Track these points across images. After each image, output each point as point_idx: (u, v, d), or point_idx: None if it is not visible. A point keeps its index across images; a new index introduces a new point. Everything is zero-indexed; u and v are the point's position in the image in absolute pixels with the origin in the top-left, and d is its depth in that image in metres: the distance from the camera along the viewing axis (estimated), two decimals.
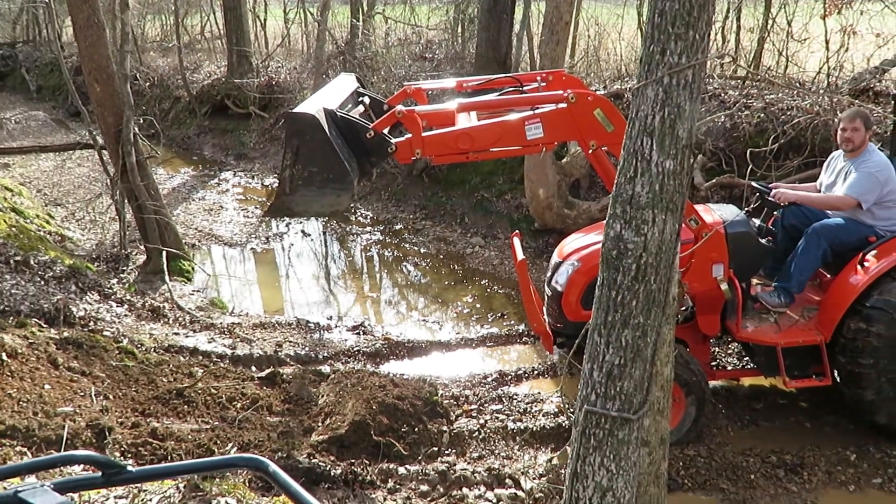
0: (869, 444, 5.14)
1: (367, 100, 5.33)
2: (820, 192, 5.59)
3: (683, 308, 5.07)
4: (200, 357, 6.54)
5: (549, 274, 5.72)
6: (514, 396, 6.02)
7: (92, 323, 6.66)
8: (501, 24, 11.87)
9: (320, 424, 5.48)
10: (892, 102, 5.82)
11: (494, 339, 7.19)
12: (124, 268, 8.78)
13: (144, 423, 5.10)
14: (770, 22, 10.93)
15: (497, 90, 5.42)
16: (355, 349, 7.02)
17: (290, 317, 7.95)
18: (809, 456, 5.07)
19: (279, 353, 6.79)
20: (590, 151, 4.67)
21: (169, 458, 4.68)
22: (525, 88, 5.24)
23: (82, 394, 5.32)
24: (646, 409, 2.05)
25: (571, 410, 4.54)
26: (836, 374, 5.18)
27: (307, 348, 7.04)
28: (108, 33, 9.25)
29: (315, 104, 4.58)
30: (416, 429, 5.40)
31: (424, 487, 4.87)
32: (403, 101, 5.30)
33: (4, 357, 5.19)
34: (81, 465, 2.98)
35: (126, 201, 8.82)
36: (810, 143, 8.13)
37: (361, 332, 7.48)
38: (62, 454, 1.13)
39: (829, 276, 5.41)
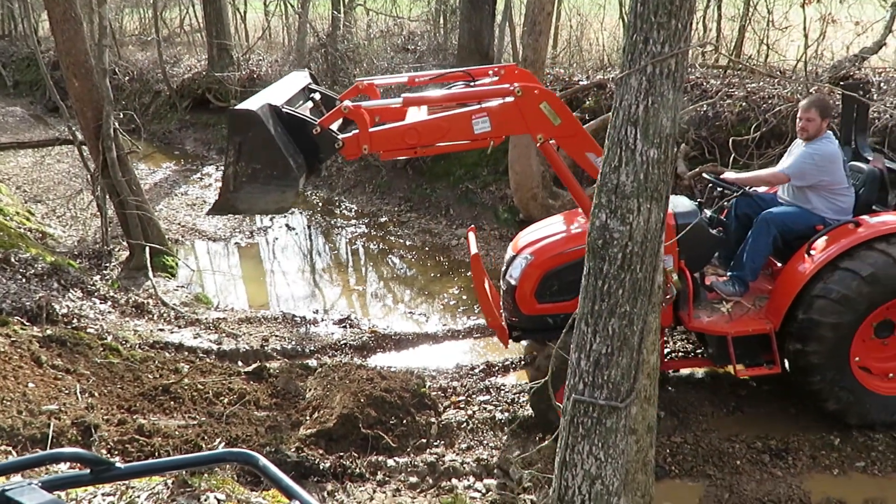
0: (852, 428, 5.21)
1: (317, 96, 5.32)
2: None
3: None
4: (186, 353, 6.51)
5: (504, 268, 5.74)
6: (502, 387, 6.04)
7: (75, 320, 6.60)
8: (483, 15, 11.83)
9: (308, 418, 5.48)
10: (841, 95, 5.89)
11: (481, 330, 7.20)
12: (107, 264, 8.71)
13: (131, 419, 5.06)
14: (751, 10, 10.99)
15: (450, 85, 5.40)
16: (342, 342, 7.01)
17: (275, 311, 7.92)
18: (794, 441, 5.13)
19: (265, 348, 6.77)
20: (538, 144, 4.70)
21: (156, 454, 4.66)
22: (477, 83, 5.22)
23: (67, 392, 5.27)
24: (633, 397, 2.07)
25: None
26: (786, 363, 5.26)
27: (294, 342, 7.02)
28: (86, 27, 9.12)
29: (260, 101, 4.54)
30: (405, 421, 5.41)
31: (413, 479, 4.89)
32: (356, 97, 5.26)
33: None
34: (67, 463, 2.96)
35: (107, 197, 8.73)
36: (791, 131, 8.19)
37: (348, 326, 7.47)
38: (49, 452, 1.12)
39: (780, 264, 5.48)
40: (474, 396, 5.93)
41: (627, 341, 2.02)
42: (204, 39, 17.66)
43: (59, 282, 7.20)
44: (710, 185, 5.65)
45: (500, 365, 6.48)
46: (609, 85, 10.80)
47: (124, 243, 8.94)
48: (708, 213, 5.68)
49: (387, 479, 4.85)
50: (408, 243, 9.95)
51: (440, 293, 8.34)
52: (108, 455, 4.64)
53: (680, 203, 5.58)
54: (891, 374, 5.25)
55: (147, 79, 17.94)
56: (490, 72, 5.38)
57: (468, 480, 4.90)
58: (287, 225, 11.05)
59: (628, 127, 1.93)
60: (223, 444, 4.94)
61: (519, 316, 5.51)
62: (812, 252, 5.01)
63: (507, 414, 5.61)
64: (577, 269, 5.40)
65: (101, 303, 7.28)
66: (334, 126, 4.67)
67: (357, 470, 4.87)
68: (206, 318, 7.43)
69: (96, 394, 5.39)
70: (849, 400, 5.11)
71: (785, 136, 8.25)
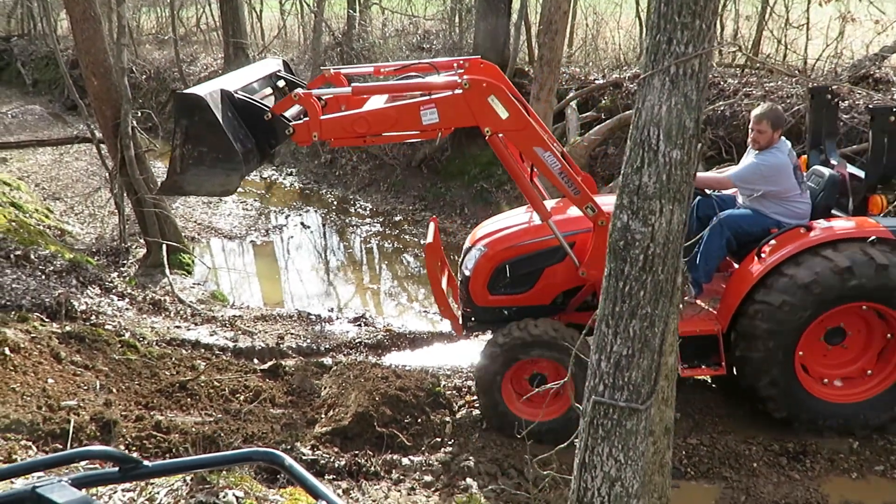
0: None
1: (281, 83, 5.36)
2: None
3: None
4: (202, 350, 6.55)
5: (461, 258, 5.78)
6: None
7: (94, 317, 6.66)
8: (499, 13, 11.81)
9: (323, 416, 5.49)
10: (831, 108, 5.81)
11: None
12: (124, 261, 8.78)
13: (148, 416, 5.10)
14: (768, 9, 10.90)
15: (415, 77, 5.44)
16: (357, 341, 7.03)
17: (290, 309, 7.96)
18: (812, 444, 5.08)
19: (281, 346, 6.81)
20: (486, 137, 4.74)
21: (174, 451, 4.69)
22: (442, 75, 5.25)
23: (86, 387, 5.32)
24: (653, 399, 2.06)
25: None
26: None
27: (309, 340, 7.05)
28: (105, 26, 9.20)
29: (214, 85, 4.64)
30: (419, 420, 5.42)
31: (428, 478, 4.89)
32: (323, 86, 5.33)
33: (7, 352, 5.18)
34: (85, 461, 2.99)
35: (125, 195, 8.80)
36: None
37: (363, 324, 7.49)
38: (79, 450, 1.13)
39: (737, 266, 5.47)
40: None
41: (648, 343, 2.01)
42: (220, 38, 17.74)
43: (77, 279, 7.27)
44: None
45: None
46: (625, 84, 10.75)
47: (141, 241, 9.02)
48: None
49: (402, 477, 4.86)
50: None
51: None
52: (126, 451, 4.68)
53: None
54: (836, 382, 5.21)
55: (164, 77, 18.06)
56: (455, 64, 5.41)
57: (482, 480, 4.89)
58: (302, 223, 11.10)
59: (651, 128, 1.92)
60: (240, 440, 4.97)
61: (472, 307, 5.59)
62: (762, 255, 5.00)
63: None
64: (529, 263, 5.44)
65: (118, 300, 7.35)
66: (290, 113, 4.74)
67: (372, 468, 4.88)
68: (222, 316, 7.48)
69: (114, 390, 5.44)
70: (795, 406, 5.08)
71: (804, 135, 8.18)
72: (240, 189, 12.95)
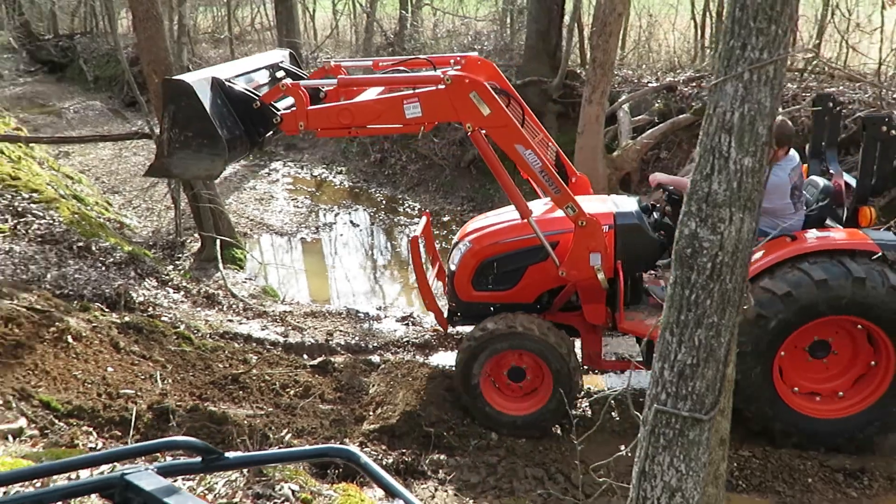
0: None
1: (281, 74, 5.45)
2: None
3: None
4: (254, 344, 6.67)
5: (448, 253, 5.85)
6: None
7: (151, 308, 6.84)
8: (552, 15, 11.75)
9: (371, 414, 5.54)
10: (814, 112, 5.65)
11: None
12: (180, 255, 9.00)
13: (202, 407, 5.21)
14: (830, 11, 10.62)
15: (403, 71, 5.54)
16: (404, 340, 7.08)
17: (339, 306, 8.05)
18: (870, 461, 4.94)
19: (330, 342, 6.89)
20: (468, 133, 4.83)
21: (226, 442, 4.78)
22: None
23: (143, 377, 5.47)
24: (717, 409, 2.03)
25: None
26: None
27: (357, 338, 7.12)
28: (166, 26, 9.43)
29: (207, 73, 4.79)
30: (466, 421, 5.43)
31: (475, 479, 4.90)
32: (324, 78, 5.47)
33: (70, 340, 5.36)
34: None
35: (181, 190, 9.01)
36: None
37: (410, 323, 7.53)
38: (165, 440, 1.17)
39: None
40: None
41: (714, 353, 1.98)
42: (274, 38, 18.03)
43: (135, 271, 7.47)
44: (661, 188, 5.61)
45: None
46: (679, 87, 10.59)
47: (196, 235, 9.22)
48: (655, 215, 5.64)
49: (448, 477, 4.87)
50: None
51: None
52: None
53: (623, 203, 5.59)
54: (818, 397, 5.10)
55: None
56: (452, 61, 5.46)
57: (529, 484, 4.88)
58: (351, 221, 11.21)
59: (722, 134, 1.89)
60: (290, 435, 5.04)
61: (457, 302, 5.65)
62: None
63: (567, 418, 5.56)
64: (513, 260, 5.46)
65: (174, 292, 7.53)
66: (282, 104, 4.86)
67: (419, 467, 4.90)
68: (272, 311, 7.61)
69: (170, 380, 5.58)
70: (773, 420, 4.97)
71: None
72: (291, 186, 13.22)
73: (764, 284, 4.74)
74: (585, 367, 6.00)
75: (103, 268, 7.22)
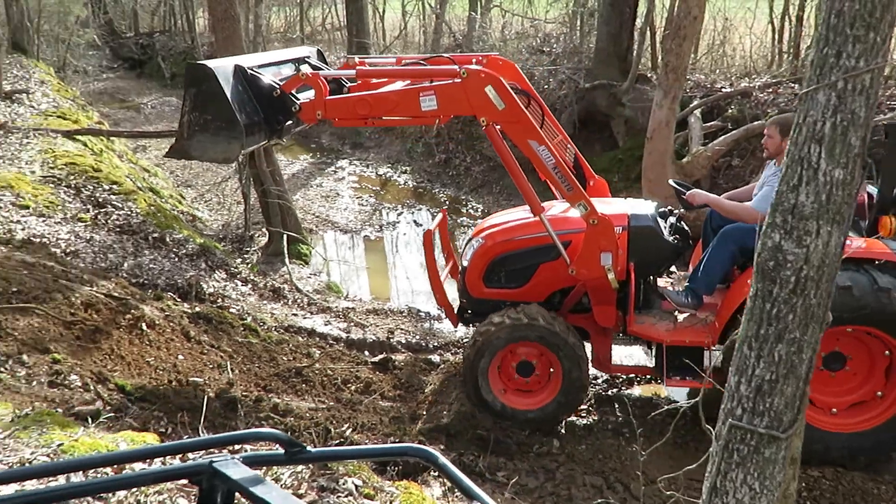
0: None
1: (305, 67, 5.51)
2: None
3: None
4: (317, 338, 6.79)
5: (462, 249, 5.87)
6: (626, 399, 5.91)
7: (220, 299, 7.04)
8: (623, 17, 11.58)
9: (426, 412, 5.58)
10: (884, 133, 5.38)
11: None
12: (248, 248, 9.23)
13: (266, 398, 5.34)
14: None
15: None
16: (464, 340, 7.08)
17: (400, 304, 8.12)
18: None
19: (391, 340, 6.96)
20: (483, 128, 4.86)
21: (290, 433, 4.87)
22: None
23: (211, 366, 5.63)
24: (796, 427, 1.97)
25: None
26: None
27: (417, 336, 7.17)
28: (242, 25, 9.69)
29: (231, 60, 4.95)
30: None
31: (532, 484, 4.87)
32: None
33: (144, 327, 5.56)
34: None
35: (252, 185, 9.25)
36: None
37: (471, 325, 7.53)
38: (252, 431, 1.20)
39: None
40: (597, 406, 5.83)
41: (794, 369, 1.91)
42: (344, 37, 18.31)
43: (206, 263, 7.70)
44: (678, 193, 5.49)
45: (625, 377, 6.34)
46: (754, 93, 10.30)
47: (264, 230, 9.45)
48: (672, 220, 5.54)
49: (506, 481, 4.86)
50: None
51: None
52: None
53: (639, 206, 5.53)
54: (834, 410, 4.92)
55: None
56: (474, 60, 5.47)
57: (588, 492, 4.82)
58: (414, 221, 11.30)
59: (812, 145, 1.83)
60: (350, 430, 5.11)
61: (468, 298, 5.65)
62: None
63: (629, 428, 5.47)
64: (525, 258, 5.42)
65: (242, 285, 7.73)
66: (304, 95, 4.96)
67: (477, 468, 4.90)
68: (335, 307, 7.73)
69: (236, 370, 5.73)
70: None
71: None
72: (356, 184, 13.40)
73: None
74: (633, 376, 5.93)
75: (176, 259, 7.46)
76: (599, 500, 4.66)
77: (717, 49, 13.37)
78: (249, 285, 7.78)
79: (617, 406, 5.81)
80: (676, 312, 5.41)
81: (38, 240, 6.24)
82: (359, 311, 7.70)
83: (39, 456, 2.92)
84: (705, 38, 13.87)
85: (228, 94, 4.65)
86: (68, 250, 6.40)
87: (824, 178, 1.82)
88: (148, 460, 1.99)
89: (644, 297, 5.47)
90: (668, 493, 3.03)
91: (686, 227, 5.53)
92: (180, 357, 5.52)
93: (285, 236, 8.80)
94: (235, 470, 1.11)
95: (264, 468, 2.44)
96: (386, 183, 13.51)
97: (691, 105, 10.35)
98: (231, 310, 6.86)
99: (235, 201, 10.94)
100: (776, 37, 12.72)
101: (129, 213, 7.87)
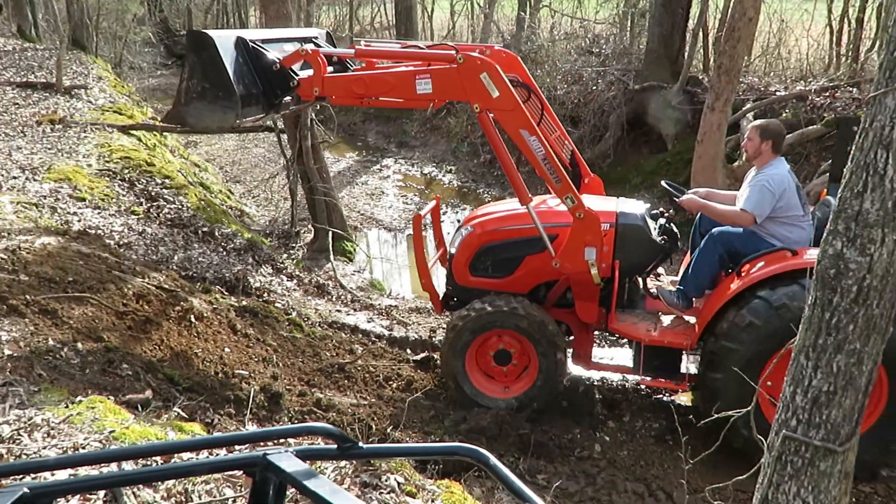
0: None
1: (310, 46, 5.52)
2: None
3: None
4: (360, 335, 6.84)
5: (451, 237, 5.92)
6: (669, 406, 5.82)
7: (266, 294, 7.14)
8: (676, 18, 11.41)
9: (467, 414, 5.57)
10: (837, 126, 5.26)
11: None
12: (294, 244, 9.35)
13: (310, 392, 5.39)
14: None
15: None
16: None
17: None
18: None
19: (433, 339, 6.97)
20: (476, 113, 4.91)
21: None
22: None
23: (256, 359, 5.71)
24: (854, 441, 1.90)
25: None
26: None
27: None
28: (294, 23, 9.82)
29: (234, 32, 5.01)
30: (565, 429, 5.35)
31: (573, 488, 4.83)
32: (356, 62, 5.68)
33: (193, 319, 5.67)
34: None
35: (299, 182, 9.37)
36: None
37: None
38: (305, 425, 1.22)
39: None
40: (640, 413, 5.75)
41: (854, 381, 1.85)
42: (392, 36, 18.41)
43: (253, 257, 7.82)
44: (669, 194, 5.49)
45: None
46: (811, 97, 10.03)
47: (310, 226, 9.56)
48: (662, 221, 5.51)
49: (546, 484, 4.83)
50: None
51: None
52: (290, 423, 4.98)
53: (629, 205, 5.52)
54: None
55: None
56: (477, 50, 5.45)
57: (628, 498, 4.76)
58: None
59: (878, 150, 1.77)
60: (391, 427, 5.13)
61: (454, 285, 5.70)
62: (741, 274, 4.79)
63: (673, 435, 5.38)
64: (511, 248, 5.42)
65: (287, 280, 7.83)
66: (303, 72, 5.02)
67: (516, 470, 4.88)
68: (378, 304, 7.77)
69: (281, 364, 5.80)
70: (754, 439, 4.60)
71: None
72: (401, 183, 13.47)
73: (763, 294, 4.67)
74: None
75: (224, 253, 7.59)
76: None
77: (772, 51, 13.06)
78: (295, 281, 7.88)
79: (661, 412, 5.72)
80: (660, 313, 5.47)
81: (93, 231, 6.41)
82: (401, 309, 7.73)
83: (92, 441, 3.00)
84: (759, 39, 13.54)
85: (227, 64, 4.74)
86: (122, 242, 6.56)
87: (891, 185, 1.76)
88: (199, 450, 2.03)
89: (629, 296, 5.54)
90: (715, 503, 2.97)
91: (675, 229, 5.54)
92: (227, 350, 5.61)
93: (330, 233, 8.89)
94: (289, 463, 1.12)
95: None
96: (431, 182, 13.55)
97: (744, 108, 10.13)
98: (276, 304, 6.96)
99: (282, 197, 11.10)
100: (834, 39, 12.36)
101: (180, 207, 8.03)
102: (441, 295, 5.93)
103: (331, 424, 5.11)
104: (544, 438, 5.16)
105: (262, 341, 6.04)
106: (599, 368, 6.03)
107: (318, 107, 11.31)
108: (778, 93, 10.58)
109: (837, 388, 1.86)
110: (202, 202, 8.69)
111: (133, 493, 2.47)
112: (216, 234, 7.85)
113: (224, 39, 4.84)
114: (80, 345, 4.42)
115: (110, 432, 3.09)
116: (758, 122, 5.20)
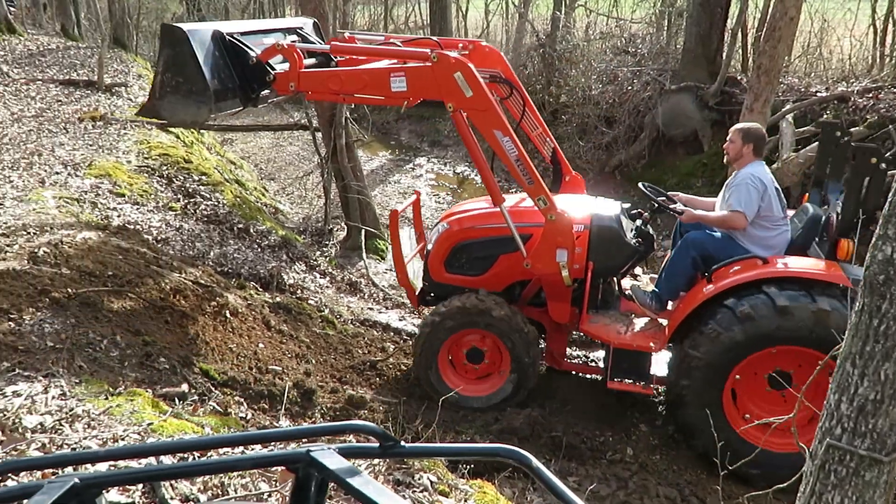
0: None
1: (293, 37, 5.58)
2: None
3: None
4: (392, 333, 6.87)
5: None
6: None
7: (299, 291, 7.20)
8: (714, 18, 11.25)
9: (499, 415, 5.56)
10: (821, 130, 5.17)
11: None
12: (327, 242, 9.42)
13: (341, 389, 5.43)
14: None
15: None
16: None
17: None
18: None
19: None
20: (450, 113, 4.92)
21: None
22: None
23: (289, 355, 5.77)
24: None
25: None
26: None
27: None
28: (331, 22, 9.88)
29: (212, 25, 5.04)
30: (597, 432, 5.31)
31: (604, 492, 4.79)
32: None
33: (228, 315, 5.74)
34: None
35: (333, 180, 9.43)
36: None
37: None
38: (347, 423, 1.23)
39: None
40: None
41: None
42: (426, 36, 18.41)
43: (287, 254, 7.90)
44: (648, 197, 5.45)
45: None
46: (853, 98, 9.82)
47: (343, 224, 9.62)
48: (638, 222, 5.51)
49: (577, 486, 4.79)
50: None
51: None
52: (322, 420, 5.01)
53: (605, 207, 5.52)
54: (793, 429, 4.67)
55: None
56: (460, 45, 5.50)
57: (661, 503, 4.71)
58: None
59: None
60: (422, 425, 5.14)
61: (430, 281, 5.77)
62: (712, 280, 4.77)
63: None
64: (486, 247, 5.45)
65: (320, 277, 7.89)
66: (281, 66, 5.04)
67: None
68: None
69: (313, 361, 5.85)
70: (718, 445, 4.63)
71: None
72: (433, 182, 13.48)
73: (728, 303, 4.67)
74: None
75: (259, 249, 7.67)
76: None
77: (813, 51, 12.80)
78: (327, 278, 7.94)
79: None
80: (634, 315, 5.49)
81: (132, 226, 6.52)
82: None
83: (131, 433, 3.05)
84: (800, 39, 13.30)
85: (201, 59, 4.78)
86: (159, 237, 6.67)
87: None
88: (245, 446, 2.06)
89: (604, 297, 5.57)
90: None
91: (652, 232, 5.56)
92: (260, 345, 5.67)
93: (363, 231, 8.93)
94: (332, 460, 1.12)
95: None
96: (463, 181, 13.55)
97: (783, 109, 9.95)
98: (309, 301, 7.01)
99: (316, 195, 11.19)
100: (878, 39, 12.08)
101: (216, 203, 8.14)
102: (418, 290, 6.00)
103: (354, 422, 5.14)
104: (576, 441, 5.13)
105: (295, 338, 6.10)
106: (571, 369, 6.10)
107: (353, 105, 11.38)
108: (819, 94, 10.37)
109: (885, 397, 1.82)
110: (238, 199, 8.80)
111: (171, 484, 2.51)
112: (251, 230, 7.94)
113: (200, 34, 4.90)
114: (119, 338, 4.50)
115: (148, 424, 3.14)
116: (740, 124, 5.21)
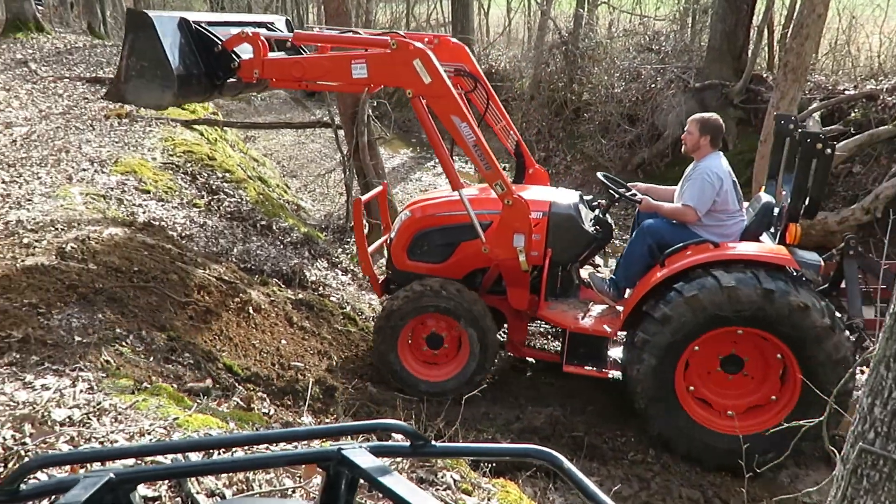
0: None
1: (253, 29, 5.58)
2: None
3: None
4: None
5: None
6: (730, 412, 5.67)
7: (321, 288, 7.23)
8: (740, 14, 11.12)
9: (522, 413, 5.55)
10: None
11: None
12: (348, 239, 9.45)
13: (363, 386, 5.44)
14: None
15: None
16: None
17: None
18: None
19: None
20: (409, 98, 5.00)
21: None
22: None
23: (311, 352, 5.79)
24: None
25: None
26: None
27: None
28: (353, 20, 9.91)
29: (178, 14, 5.15)
30: (619, 432, 5.29)
31: (626, 492, 4.77)
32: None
33: (251, 311, 5.78)
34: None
35: (355, 178, 9.46)
36: None
37: None
38: (378, 421, 1.22)
39: None
40: None
41: None
42: (448, 34, 18.40)
43: (309, 251, 7.93)
44: (607, 186, 5.54)
45: None
46: (882, 96, 9.66)
47: (364, 222, 9.62)
48: (598, 213, 5.58)
49: (598, 486, 4.76)
50: None
51: None
52: (344, 417, 5.04)
53: (563, 195, 5.58)
54: (730, 412, 4.90)
55: None
56: (425, 38, 5.58)
57: None
58: None
59: None
60: (443, 423, 5.15)
61: (393, 269, 5.82)
62: (664, 265, 4.85)
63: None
64: (447, 234, 5.50)
65: (342, 274, 7.92)
66: (247, 55, 5.14)
67: None
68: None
69: (335, 358, 5.87)
70: (672, 428, 4.89)
71: None
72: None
73: (677, 286, 4.74)
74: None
75: (281, 246, 7.72)
76: None
77: (841, 48, 12.62)
78: (349, 275, 7.96)
79: None
80: (592, 303, 5.56)
81: (157, 223, 6.59)
82: None
83: (157, 428, 3.08)
84: (827, 36, 13.11)
85: (166, 45, 4.86)
86: (184, 234, 6.73)
87: None
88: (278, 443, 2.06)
89: (563, 285, 5.63)
90: None
91: (610, 221, 5.62)
92: (283, 342, 5.71)
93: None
94: (363, 458, 1.12)
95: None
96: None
97: (811, 107, 9.82)
98: (331, 298, 7.04)
99: (338, 193, 11.23)
100: None
101: (239, 200, 8.20)
102: (382, 279, 6.06)
103: (384, 420, 5.16)
104: (598, 441, 5.11)
105: (317, 334, 6.12)
106: (530, 356, 6.16)
107: (375, 103, 11.40)
108: (847, 91, 10.22)
109: None
110: (260, 196, 8.86)
111: (197, 479, 2.53)
112: (274, 227, 7.98)
113: (166, 20, 4.99)
114: (144, 333, 4.55)
115: (174, 419, 3.17)
116: (698, 115, 5.28)
